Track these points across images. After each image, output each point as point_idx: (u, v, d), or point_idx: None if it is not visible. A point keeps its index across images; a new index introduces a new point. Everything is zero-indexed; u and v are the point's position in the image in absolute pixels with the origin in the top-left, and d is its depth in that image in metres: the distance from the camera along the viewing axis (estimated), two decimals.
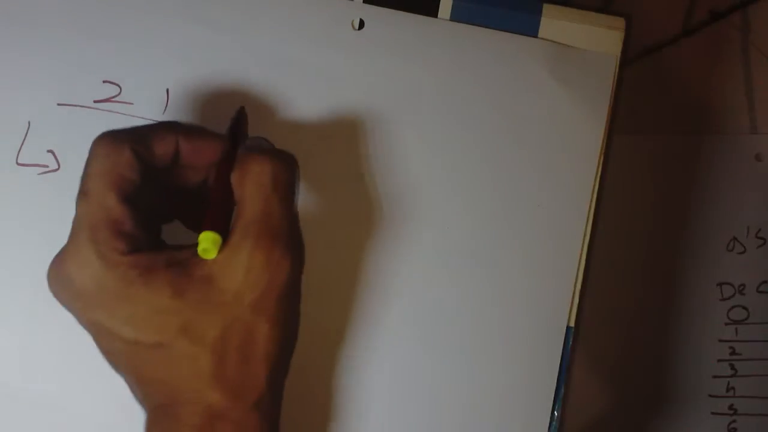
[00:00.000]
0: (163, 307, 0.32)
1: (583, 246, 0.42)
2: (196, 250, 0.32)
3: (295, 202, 0.35)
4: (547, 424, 0.42)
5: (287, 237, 0.33)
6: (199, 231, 0.33)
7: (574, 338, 0.43)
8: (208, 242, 0.32)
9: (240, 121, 0.39)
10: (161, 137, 0.34)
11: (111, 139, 0.33)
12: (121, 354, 0.33)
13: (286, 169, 0.34)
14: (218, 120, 0.38)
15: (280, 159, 0.34)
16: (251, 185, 0.33)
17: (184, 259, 0.33)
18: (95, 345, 0.34)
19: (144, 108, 0.40)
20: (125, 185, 0.32)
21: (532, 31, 0.41)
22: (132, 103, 0.40)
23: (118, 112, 0.40)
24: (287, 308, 0.34)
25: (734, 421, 0.45)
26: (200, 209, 0.37)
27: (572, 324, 0.42)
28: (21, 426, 0.41)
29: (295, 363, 0.35)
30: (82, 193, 0.32)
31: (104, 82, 0.41)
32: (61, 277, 0.33)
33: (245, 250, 0.32)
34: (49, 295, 0.38)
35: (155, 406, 0.34)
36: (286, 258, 0.33)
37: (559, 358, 0.42)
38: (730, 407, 0.45)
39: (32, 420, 0.41)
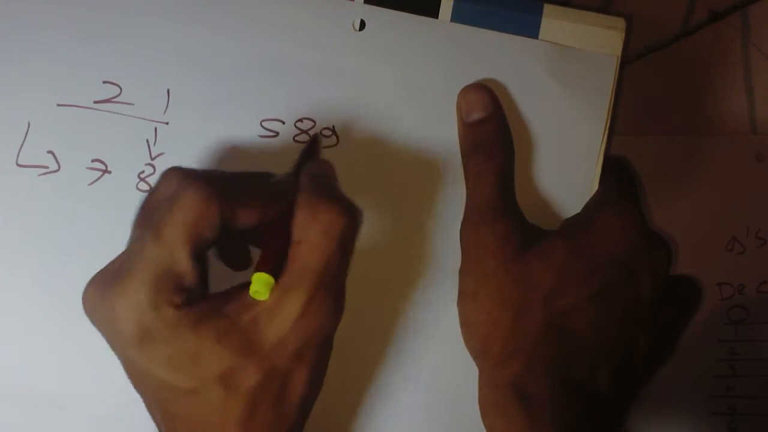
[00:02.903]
0: (204, 353, 0.31)
1: None
2: (244, 291, 0.32)
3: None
4: None
5: (339, 291, 0.34)
6: (238, 268, 0.33)
7: None
8: (260, 284, 0.32)
9: (311, 152, 0.39)
10: (247, 206, 0.33)
11: (204, 193, 0.31)
12: (151, 390, 0.33)
13: (355, 227, 0.34)
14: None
15: (350, 213, 0.33)
16: (317, 234, 0.33)
17: (230, 302, 0.32)
18: (125, 373, 0.33)
19: (144, 108, 0.40)
20: (200, 244, 0.32)
21: (532, 31, 0.41)
22: (132, 104, 0.40)
23: (118, 113, 0.40)
24: (323, 355, 0.34)
25: (734, 421, 0.45)
26: (239, 242, 0.37)
27: None
28: (22, 426, 0.41)
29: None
30: (156, 236, 0.31)
31: (104, 82, 0.40)
32: (104, 308, 0.32)
33: (297, 300, 0.32)
34: (50, 294, 0.38)
35: None
36: (335, 312, 0.33)
37: None
38: (730, 407, 0.45)
39: (33, 420, 0.41)
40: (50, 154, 0.40)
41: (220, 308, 0.32)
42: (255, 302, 0.32)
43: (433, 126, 0.41)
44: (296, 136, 0.41)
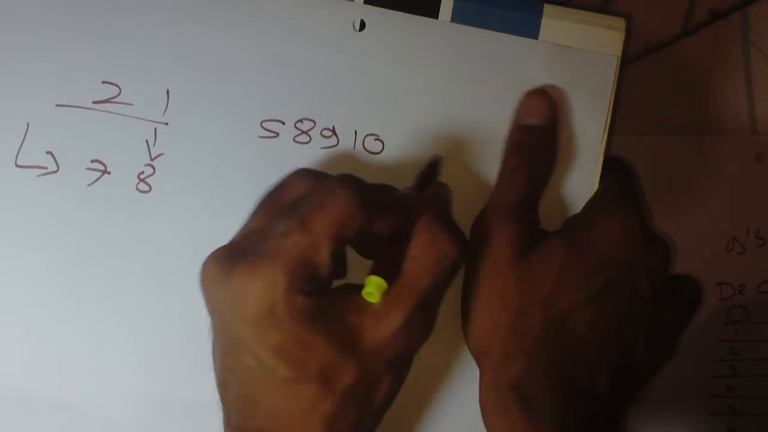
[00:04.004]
0: (312, 346, 0.32)
1: None
2: (356, 292, 0.33)
3: None
4: None
5: (434, 315, 0.36)
6: (337, 276, 0.35)
7: None
8: (374, 287, 0.33)
9: (432, 171, 0.40)
10: (383, 216, 0.34)
11: (356, 195, 0.33)
12: (244, 370, 0.33)
13: (461, 259, 0.36)
14: None
15: (462, 248, 0.35)
16: (432, 259, 0.34)
17: (344, 300, 0.34)
18: (214, 350, 0.34)
19: (144, 109, 0.40)
20: (341, 242, 0.33)
21: (532, 31, 0.41)
22: (132, 104, 0.40)
23: (117, 113, 0.40)
24: (406, 370, 0.36)
25: (734, 421, 0.45)
26: (343, 255, 0.38)
27: None
28: (22, 427, 0.41)
29: None
30: (303, 224, 0.32)
31: (103, 82, 0.40)
32: (232, 282, 0.32)
33: (403, 311, 0.33)
34: (49, 296, 0.38)
35: (246, 427, 0.34)
36: (426, 333, 0.35)
37: None
38: (730, 407, 0.45)
39: (33, 421, 0.41)
40: (49, 155, 0.40)
41: (335, 304, 0.33)
42: (363, 305, 0.33)
43: (433, 125, 0.41)
44: (296, 136, 0.41)
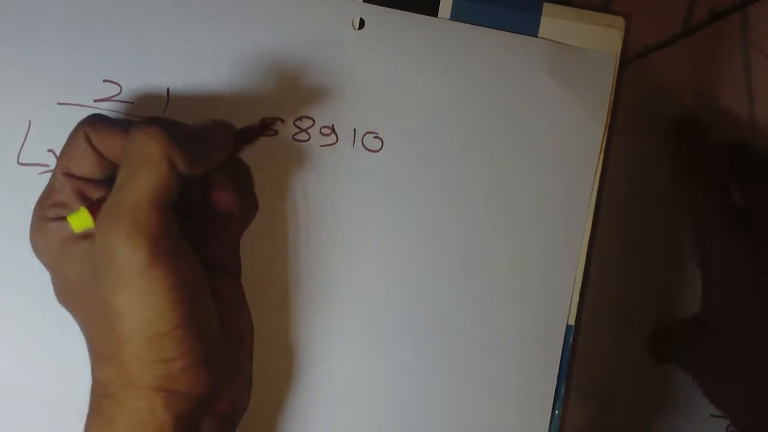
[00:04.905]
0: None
1: (582, 245, 0.42)
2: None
3: None
4: (548, 423, 0.42)
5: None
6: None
7: (574, 337, 0.43)
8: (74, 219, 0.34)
9: (254, 133, 0.40)
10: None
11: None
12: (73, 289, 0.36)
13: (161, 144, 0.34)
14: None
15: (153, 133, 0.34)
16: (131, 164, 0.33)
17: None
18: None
19: (144, 107, 0.40)
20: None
21: (532, 29, 0.41)
22: (132, 102, 0.41)
23: (118, 112, 0.41)
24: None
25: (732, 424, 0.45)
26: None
27: (572, 322, 0.42)
28: (22, 427, 0.41)
29: None
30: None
31: (104, 81, 0.41)
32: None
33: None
34: (50, 294, 0.38)
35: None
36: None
37: (560, 357, 0.42)
38: None
39: (33, 421, 0.41)
40: (51, 153, 0.41)
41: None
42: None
43: (432, 123, 0.41)
44: (295, 134, 0.41)
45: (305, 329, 0.41)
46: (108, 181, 0.35)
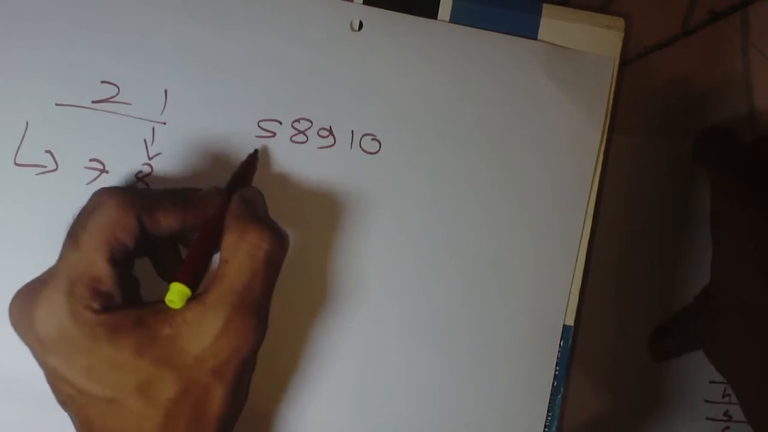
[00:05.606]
0: (123, 364, 0.32)
1: (581, 245, 0.42)
2: (163, 301, 0.33)
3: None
4: (546, 423, 0.42)
5: (262, 313, 0.34)
6: (168, 279, 0.33)
7: (573, 337, 0.43)
8: (175, 294, 0.32)
9: (248, 168, 0.39)
10: (166, 211, 0.34)
11: (120, 199, 0.33)
12: (70, 398, 0.33)
13: (281, 251, 0.34)
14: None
15: (277, 236, 0.34)
16: (244, 255, 0.33)
17: (152, 315, 0.33)
18: (48, 384, 0.34)
19: (142, 108, 0.40)
20: (118, 248, 0.32)
21: (532, 31, 0.41)
22: (130, 103, 0.40)
23: (116, 113, 0.40)
24: (244, 374, 0.34)
25: (728, 427, 0.45)
26: (172, 253, 0.38)
27: (570, 323, 0.42)
28: (22, 426, 0.41)
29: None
30: (73, 242, 0.32)
31: (102, 82, 0.40)
32: (25, 316, 0.32)
33: (219, 318, 0.32)
34: None
35: None
36: (256, 332, 0.33)
37: (557, 357, 0.42)
38: (725, 414, 0.45)
39: (33, 421, 0.41)
40: (48, 154, 0.40)
41: (143, 319, 0.32)
42: (176, 315, 0.32)
43: (431, 127, 0.41)
44: (293, 136, 0.41)
45: (305, 330, 0.41)
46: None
